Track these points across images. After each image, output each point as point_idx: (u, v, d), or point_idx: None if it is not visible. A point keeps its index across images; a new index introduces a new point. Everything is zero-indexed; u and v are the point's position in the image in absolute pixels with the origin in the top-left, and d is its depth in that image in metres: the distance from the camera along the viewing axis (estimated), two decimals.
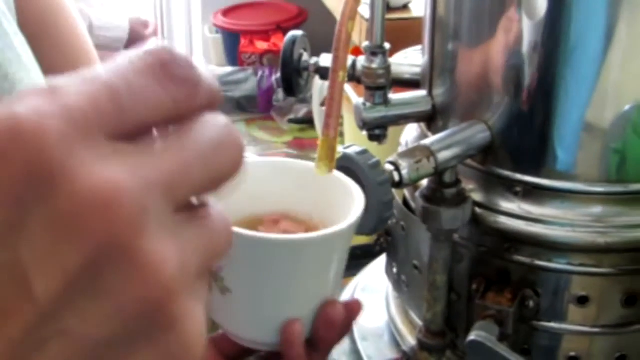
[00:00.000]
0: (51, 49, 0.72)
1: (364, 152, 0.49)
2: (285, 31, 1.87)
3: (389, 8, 1.23)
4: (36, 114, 0.22)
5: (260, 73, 1.92)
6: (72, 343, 0.23)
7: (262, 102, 1.89)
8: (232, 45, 2.06)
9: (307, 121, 1.66)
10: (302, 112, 1.78)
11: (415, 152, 0.53)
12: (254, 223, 0.47)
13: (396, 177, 0.51)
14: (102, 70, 0.24)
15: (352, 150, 0.49)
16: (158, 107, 0.24)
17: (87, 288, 0.23)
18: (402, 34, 0.95)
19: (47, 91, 0.23)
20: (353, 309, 0.48)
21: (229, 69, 2.00)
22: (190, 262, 0.24)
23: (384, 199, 0.47)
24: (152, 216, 0.23)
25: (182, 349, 0.25)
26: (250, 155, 0.48)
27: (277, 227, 0.47)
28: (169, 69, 0.24)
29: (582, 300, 0.57)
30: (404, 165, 0.51)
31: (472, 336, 0.55)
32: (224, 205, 0.48)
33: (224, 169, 0.26)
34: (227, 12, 2.15)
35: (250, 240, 0.41)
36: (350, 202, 0.45)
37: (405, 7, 1.25)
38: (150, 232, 0.23)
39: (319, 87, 1.26)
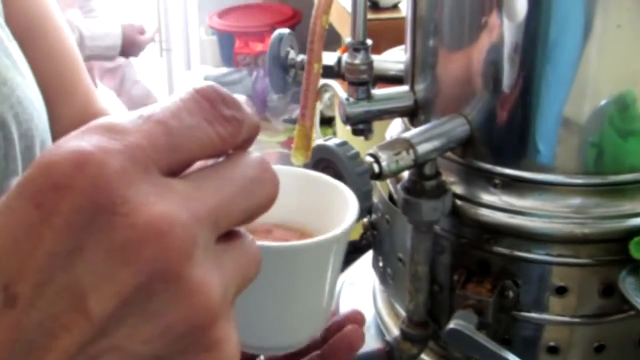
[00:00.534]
0: (38, 55, 0.73)
1: (343, 144, 0.50)
2: None
3: (379, 8, 1.24)
4: (100, 149, 0.24)
5: (254, 74, 1.94)
6: (121, 359, 0.25)
7: (256, 102, 1.91)
8: (228, 47, 2.08)
9: None
10: (296, 112, 1.79)
11: (394, 145, 0.54)
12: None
13: (376, 168, 0.52)
14: (157, 108, 0.26)
15: (332, 142, 0.50)
16: (206, 144, 0.27)
17: (139, 308, 0.25)
18: (392, 33, 0.96)
19: (109, 128, 0.25)
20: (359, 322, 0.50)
21: (224, 69, 2.02)
22: (230, 288, 0.27)
23: (362, 189, 0.48)
24: (200, 246, 0.25)
25: None
26: None
27: (270, 236, 0.48)
28: (218, 108, 0.27)
29: (561, 291, 0.59)
30: (384, 157, 0.53)
31: (451, 325, 0.56)
32: None
33: (261, 202, 0.29)
34: (222, 14, 2.16)
35: None
36: (344, 207, 0.45)
37: (394, 7, 1.26)
38: (198, 260, 0.25)
39: None
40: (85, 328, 0.24)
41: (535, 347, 0.61)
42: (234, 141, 0.28)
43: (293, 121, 1.82)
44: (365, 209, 0.49)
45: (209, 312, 0.26)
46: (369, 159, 0.53)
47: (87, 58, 2.03)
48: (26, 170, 0.25)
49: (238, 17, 2.12)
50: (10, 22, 0.70)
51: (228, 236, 0.28)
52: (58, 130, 0.75)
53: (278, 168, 0.49)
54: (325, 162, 0.49)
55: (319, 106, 1.59)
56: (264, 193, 0.29)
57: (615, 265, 0.57)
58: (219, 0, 2.20)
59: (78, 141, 0.24)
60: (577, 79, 0.57)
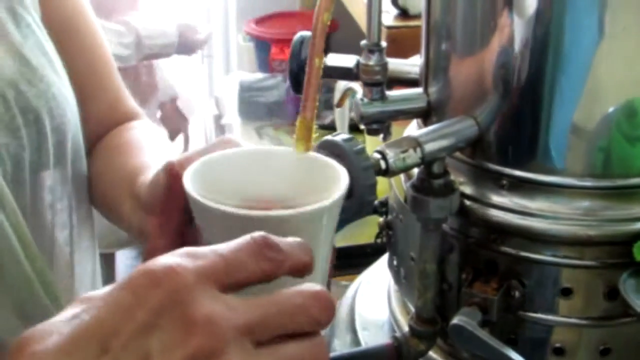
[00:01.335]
0: (71, 52, 0.76)
1: (350, 139, 0.52)
2: None
3: (408, 16, 1.26)
4: (181, 267, 0.37)
5: (289, 80, 1.96)
6: None
7: (290, 108, 1.94)
8: (264, 53, 2.11)
9: (333, 127, 1.69)
10: (328, 118, 1.81)
11: (402, 143, 0.55)
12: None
13: (382, 165, 0.54)
14: (225, 245, 0.39)
15: (339, 138, 0.52)
16: (251, 274, 0.39)
17: None
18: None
19: (190, 254, 0.38)
20: None
21: (260, 75, 2.05)
22: None
23: (366, 182, 0.50)
24: (231, 342, 0.36)
25: None
26: (242, 143, 0.52)
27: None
28: (263, 251, 0.39)
29: (566, 292, 0.59)
30: (391, 154, 0.54)
31: (454, 320, 0.57)
32: (218, 194, 0.50)
33: (304, 324, 0.38)
34: (259, 21, 2.20)
35: (232, 218, 0.45)
36: (336, 182, 0.47)
37: None
38: (229, 351, 0.36)
39: (341, 89, 1.30)
40: None
41: (541, 348, 0.62)
42: (275, 274, 0.39)
43: (326, 127, 1.84)
44: (369, 202, 0.51)
45: None
46: (377, 155, 0.54)
47: (146, 57, 2.08)
48: (130, 274, 0.37)
49: (274, 24, 2.15)
50: (45, 21, 0.73)
51: (277, 340, 0.38)
52: (87, 127, 0.77)
53: (278, 149, 0.51)
54: (332, 157, 0.50)
55: (348, 113, 1.59)
56: (307, 318, 0.38)
57: (620, 268, 0.57)
58: (257, 7, 2.24)
59: (170, 258, 0.38)
60: (587, 84, 0.57)
